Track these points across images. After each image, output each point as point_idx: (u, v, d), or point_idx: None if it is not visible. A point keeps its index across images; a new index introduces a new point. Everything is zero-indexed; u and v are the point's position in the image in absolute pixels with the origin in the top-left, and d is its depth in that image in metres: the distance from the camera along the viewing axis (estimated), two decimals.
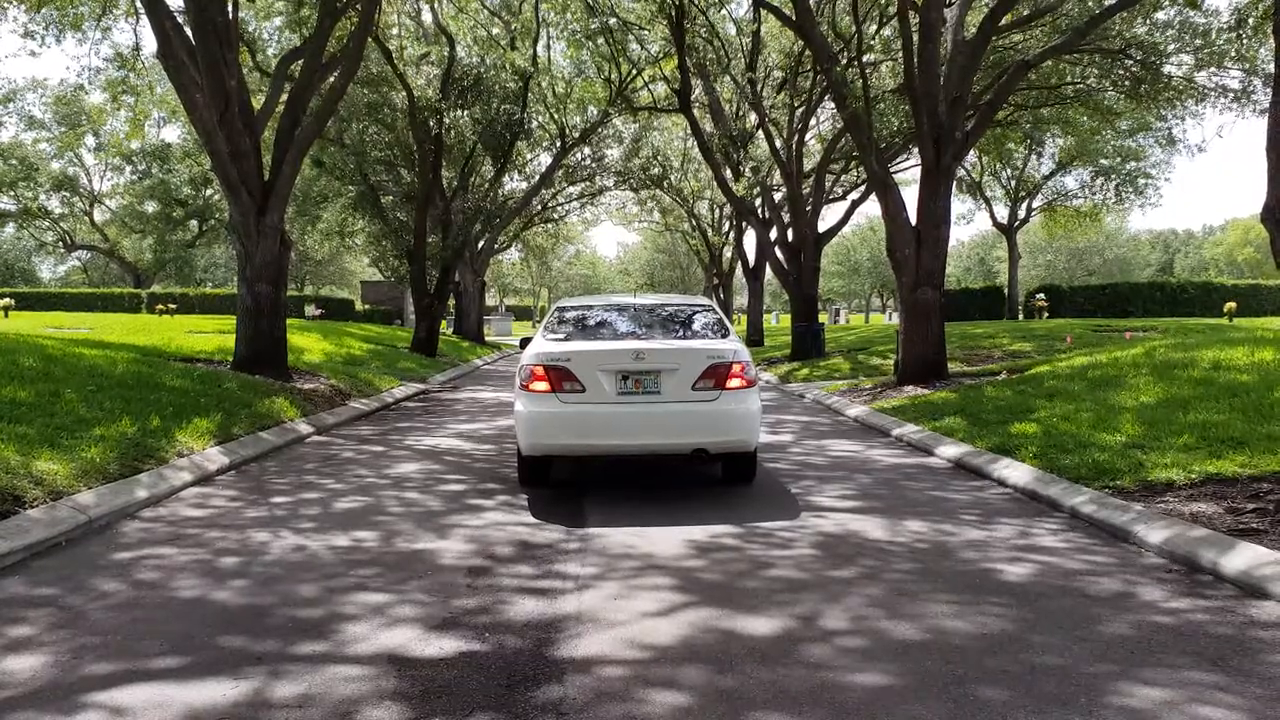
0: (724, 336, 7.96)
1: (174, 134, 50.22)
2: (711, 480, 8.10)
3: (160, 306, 39.02)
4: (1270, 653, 3.90)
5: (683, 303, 8.91)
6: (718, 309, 8.72)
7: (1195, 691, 3.53)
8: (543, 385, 7.30)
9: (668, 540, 5.89)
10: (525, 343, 8.45)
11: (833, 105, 22.14)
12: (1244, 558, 4.94)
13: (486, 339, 40.49)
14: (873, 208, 77.06)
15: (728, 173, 25.39)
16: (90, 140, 49.08)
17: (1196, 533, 5.44)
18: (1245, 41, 15.04)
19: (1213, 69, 18.83)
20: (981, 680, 3.65)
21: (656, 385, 7.31)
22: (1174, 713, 3.36)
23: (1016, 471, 7.74)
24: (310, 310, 39.73)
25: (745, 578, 5.08)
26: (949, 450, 9.17)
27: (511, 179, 33.96)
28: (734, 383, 7.35)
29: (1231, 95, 18.98)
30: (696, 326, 8.23)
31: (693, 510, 6.84)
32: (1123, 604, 4.58)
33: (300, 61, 15.12)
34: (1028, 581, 4.95)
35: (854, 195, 30.82)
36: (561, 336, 7.93)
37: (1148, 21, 18.36)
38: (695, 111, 24.37)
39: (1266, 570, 4.74)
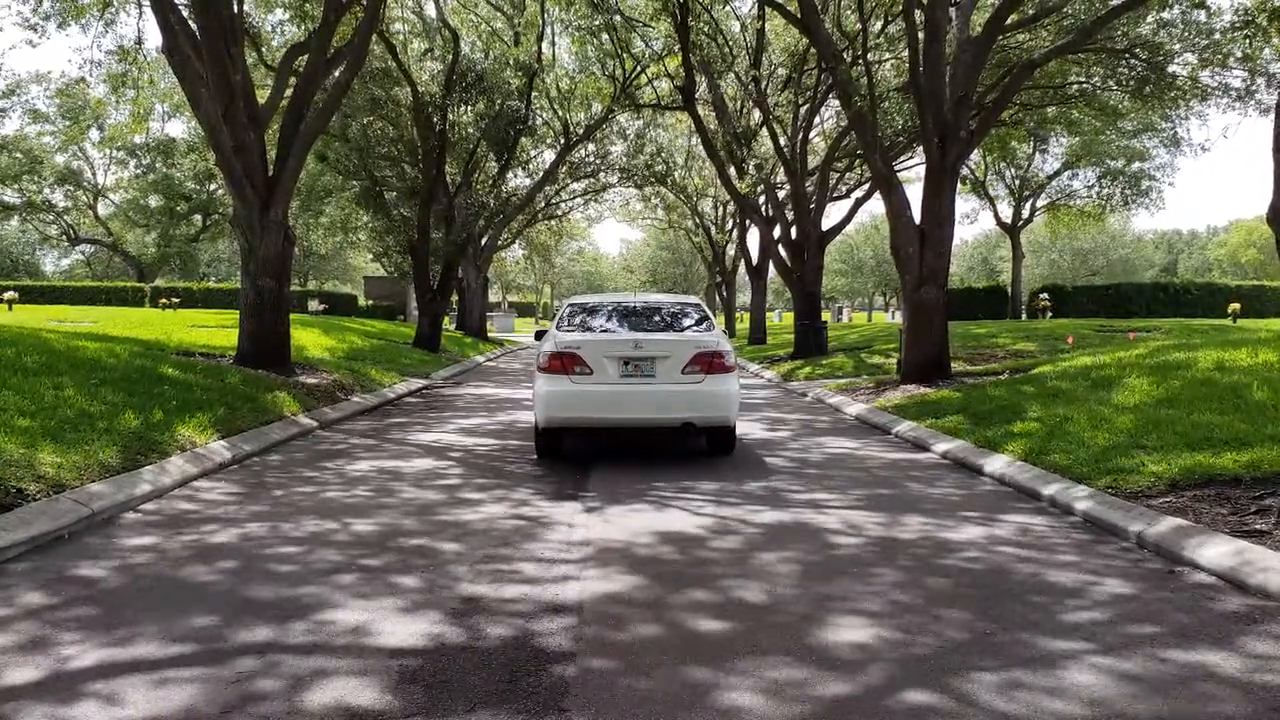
0: (709, 330, 9.31)
1: (179, 128, 50.27)
2: (705, 476, 8.12)
3: (164, 301, 39.04)
4: (1251, 647, 3.90)
5: (676, 301, 10.24)
6: (705, 307, 10.06)
7: (1171, 678, 3.53)
8: (558, 368, 8.66)
9: (664, 533, 5.93)
10: (540, 334, 10.05)
11: (837, 103, 22.11)
12: (1239, 553, 4.94)
13: (489, 335, 40.49)
14: (877, 206, 77.01)
15: (732, 170, 25.36)
16: (94, 134, 49.08)
17: (1194, 530, 5.43)
18: (1251, 41, 14.98)
19: (1216, 68, 18.77)
20: (960, 667, 3.66)
21: (652, 370, 8.70)
22: (1148, 702, 3.36)
23: (1014, 470, 7.74)
24: (314, 305, 39.78)
25: (737, 566, 5.10)
26: (947, 447, 9.16)
27: (515, 175, 33.99)
28: (717, 368, 8.73)
29: (1235, 95, 18.93)
30: (686, 321, 9.58)
31: (687, 502, 6.86)
32: (1114, 596, 4.58)
33: (305, 56, 15.12)
34: (1025, 577, 4.95)
35: (858, 193, 30.73)
36: (573, 328, 9.33)
37: (1155, 20, 18.29)
38: (699, 108, 24.34)
39: (1255, 566, 4.74)
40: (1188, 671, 3.72)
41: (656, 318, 9.73)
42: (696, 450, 9.60)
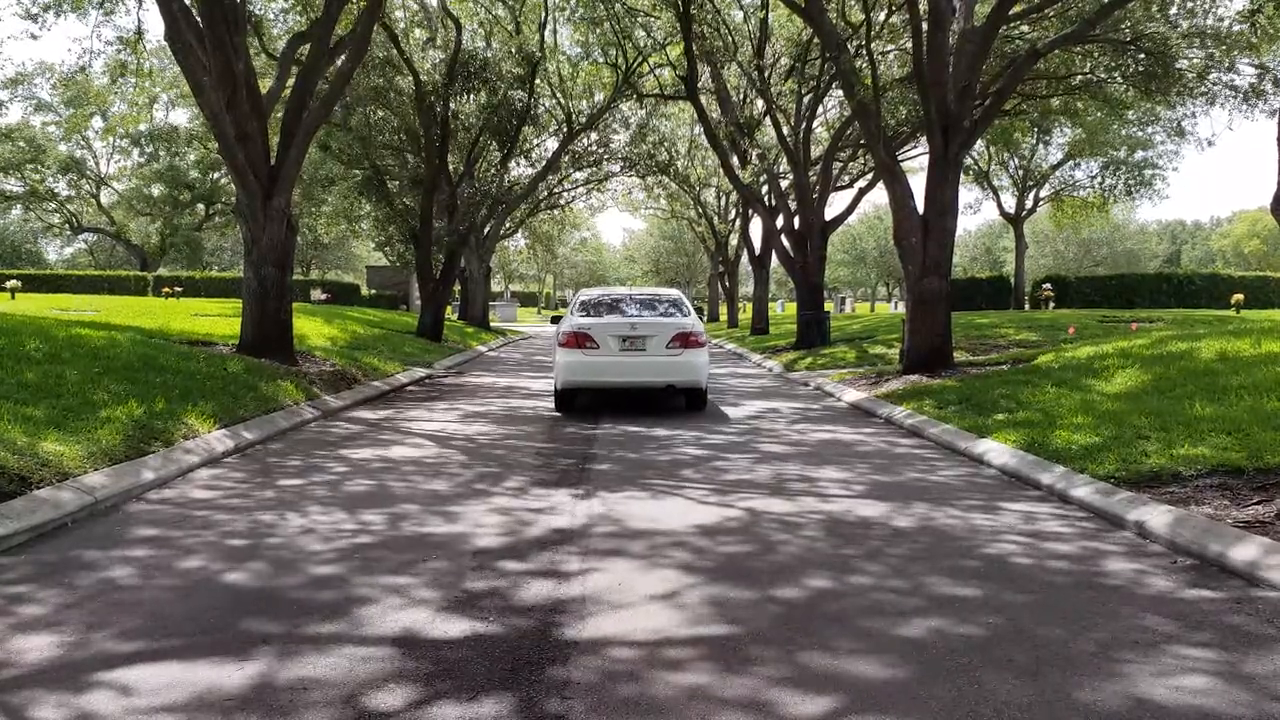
0: (687, 315, 12.29)
1: (182, 117, 50.06)
2: (704, 464, 8.13)
3: (166, 289, 39.05)
4: (1267, 646, 3.91)
5: (663, 294, 13.36)
6: (684, 298, 13.07)
7: (1163, 666, 3.55)
8: (573, 344, 11.57)
9: (664, 520, 5.95)
10: (555, 319, 13.12)
11: (841, 92, 22.05)
12: (1245, 546, 4.94)
13: (492, 325, 40.49)
14: (880, 196, 76.79)
15: (734, 160, 25.29)
16: (97, 123, 49.03)
17: (1197, 521, 5.43)
18: (1256, 29, 14.87)
19: (1221, 68, 18.62)
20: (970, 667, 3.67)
21: (644, 345, 11.60)
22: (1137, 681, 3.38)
23: (1016, 458, 7.74)
24: (316, 294, 39.78)
25: (739, 554, 5.11)
26: (949, 436, 9.16)
27: (518, 164, 33.87)
28: (692, 344, 11.64)
29: (1241, 94, 18.78)
30: (670, 309, 12.56)
31: (690, 491, 6.89)
32: (1112, 586, 4.60)
33: (308, 45, 15.08)
34: (1027, 568, 4.96)
35: (861, 183, 30.61)
36: (584, 314, 12.30)
37: (1160, 15, 18.15)
38: (702, 98, 24.26)
39: (1261, 559, 4.75)
40: (1187, 665, 3.73)
41: (648, 306, 12.69)
42: (696, 442, 9.64)
